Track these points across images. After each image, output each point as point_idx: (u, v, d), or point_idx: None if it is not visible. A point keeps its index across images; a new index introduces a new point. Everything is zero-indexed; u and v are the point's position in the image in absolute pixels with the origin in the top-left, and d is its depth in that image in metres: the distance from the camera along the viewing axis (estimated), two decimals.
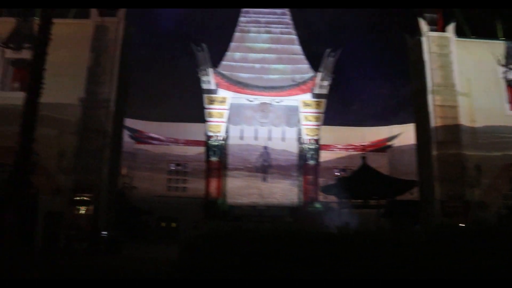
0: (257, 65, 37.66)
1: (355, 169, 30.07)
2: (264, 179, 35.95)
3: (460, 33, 25.13)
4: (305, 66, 37.70)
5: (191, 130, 38.01)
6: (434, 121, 23.77)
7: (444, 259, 6.10)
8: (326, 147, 37.09)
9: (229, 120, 36.29)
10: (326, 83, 35.81)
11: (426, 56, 24.63)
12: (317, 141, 35.84)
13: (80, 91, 23.50)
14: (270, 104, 36.79)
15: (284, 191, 35.68)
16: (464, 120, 23.64)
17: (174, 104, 41.81)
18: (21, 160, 15.31)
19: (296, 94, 36.54)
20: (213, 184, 34.53)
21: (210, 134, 35.42)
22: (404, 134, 35.28)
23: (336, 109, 41.66)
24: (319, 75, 35.80)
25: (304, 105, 36.28)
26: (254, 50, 38.27)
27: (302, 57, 38.18)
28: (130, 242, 23.88)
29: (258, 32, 38.85)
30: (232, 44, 38.21)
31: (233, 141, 36.66)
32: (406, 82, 29.57)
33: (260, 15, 39.31)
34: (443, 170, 22.96)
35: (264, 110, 36.92)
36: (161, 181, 36.84)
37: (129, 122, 32.31)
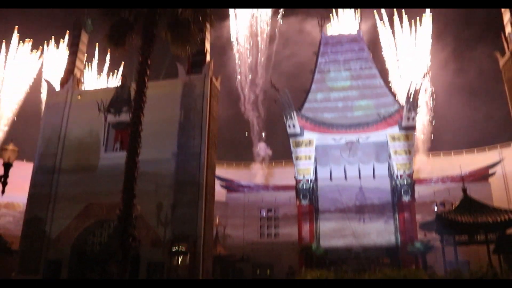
0: (340, 104, 37.34)
1: (457, 202, 27.84)
2: (358, 220, 34.60)
3: None
4: (389, 99, 36.65)
5: (281, 175, 38.23)
6: None
7: None
8: (421, 181, 35.08)
9: (317, 162, 35.94)
10: (413, 114, 34.34)
11: None
12: (410, 175, 34.02)
13: (173, 146, 24.93)
14: (357, 141, 35.96)
15: (379, 231, 33.92)
16: None
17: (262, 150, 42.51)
18: (125, 215, 16.34)
19: (383, 129, 35.39)
20: (306, 228, 33.94)
21: (299, 177, 35.26)
22: (508, 160, 32.35)
23: (432, 138, 39.69)
24: (405, 107, 34.49)
25: (392, 139, 34.94)
26: (336, 89, 38.12)
27: (385, 90, 37.26)
28: None
29: (338, 71, 38.80)
30: (314, 86, 38.46)
31: (322, 182, 36.08)
32: (502, 104, 27.48)
33: (338, 54, 39.39)
34: None
35: (352, 148, 36.12)
36: (254, 228, 37.07)
37: (219, 171, 33.32)
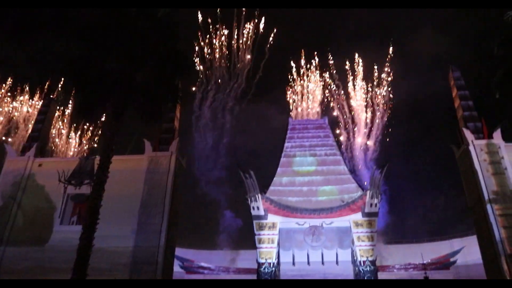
0: (304, 188, 37.73)
1: None
2: None
3: (509, 138, 24.75)
4: (353, 185, 37.39)
5: (242, 258, 37.24)
6: (499, 232, 22.23)
7: None
8: (384, 268, 34.83)
9: (280, 245, 35.41)
10: (376, 201, 34.94)
11: (477, 165, 24.09)
12: (373, 262, 33.82)
13: (133, 223, 24.28)
14: (321, 226, 35.88)
15: None
16: None
17: (224, 232, 41.91)
18: None
19: (347, 215, 35.59)
20: None
21: (261, 261, 34.39)
22: (468, 248, 32.82)
23: (392, 225, 40.21)
24: (368, 193, 35.19)
25: (355, 225, 35.07)
26: (301, 174, 38.75)
27: (349, 176, 38.13)
28: None
29: (304, 156, 39.75)
30: (279, 169, 39.02)
31: (285, 266, 35.28)
32: (461, 193, 28.52)
33: (304, 139, 40.66)
34: None
35: (315, 233, 35.91)
36: None
37: (179, 251, 32.25)
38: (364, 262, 33.68)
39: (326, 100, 50.56)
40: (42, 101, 32.02)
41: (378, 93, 53.78)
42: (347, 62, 54.20)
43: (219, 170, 51.07)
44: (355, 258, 34.52)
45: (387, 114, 50.81)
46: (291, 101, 54.03)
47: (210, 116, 53.64)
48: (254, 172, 35.62)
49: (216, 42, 53.36)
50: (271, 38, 54.26)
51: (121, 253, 23.36)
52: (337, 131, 51.30)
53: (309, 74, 56.43)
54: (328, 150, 40.05)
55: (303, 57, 56.93)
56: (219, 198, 47.41)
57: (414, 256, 34.68)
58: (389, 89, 54.24)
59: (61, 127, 43.71)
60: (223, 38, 53.81)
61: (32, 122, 31.78)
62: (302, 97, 51.37)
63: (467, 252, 32.93)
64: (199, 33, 52.40)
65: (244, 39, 54.35)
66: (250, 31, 54.34)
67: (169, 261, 25.57)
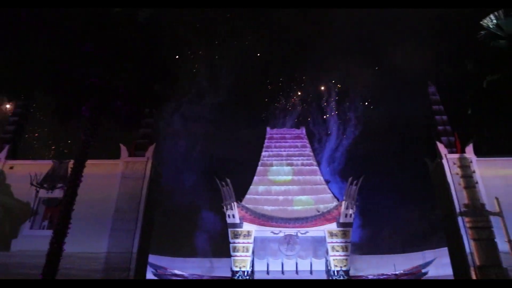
0: (280, 197, 37.92)
1: None
2: None
3: (480, 153, 25.43)
4: (329, 195, 37.78)
5: (216, 266, 36.96)
6: (469, 244, 22.74)
7: None
8: (357, 278, 35.14)
9: (254, 254, 35.37)
10: (351, 211, 35.35)
11: (449, 178, 24.66)
12: (347, 272, 34.11)
13: (106, 228, 23.90)
14: (296, 235, 36.03)
15: None
16: (500, 241, 22.55)
17: (197, 239, 41.62)
18: None
19: (322, 225, 35.88)
20: None
21: (235, 269, 34.27)
22: (439, 260, 33.44)
23: (365, 237, 40.67)
24: (344, 204, 35.56)
25: (330, 235, 35.38)
26: (277, 183, 38.94)
27: (324, 187, 38.52)
28: None
29: (281, 165, 39.99)
30: (256, 178, 39.14)
31: (259, 275, 35.23)
32: (434, 206, 29.11)
33: (282, 149, 41.02)
34: None
35: (290, 242, 36.04)
36: None
37: (152, 258, 31.82)
38: (337, 272, 33.97)
39: (303, 112, 51.08)
40: (16, 103, 31.12)
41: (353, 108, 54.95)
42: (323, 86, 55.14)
43: (194, 177, 50.81)
44: (329, 268, 34.77)
45: (359, 129, 51.74)
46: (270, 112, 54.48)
47: (183, 123, 53.39)
48: (230, 180, 35.61)
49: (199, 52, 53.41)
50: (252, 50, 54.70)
51: (93, 258, 22.89)
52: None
53: (288, 88, 57.31)
54: (305, 160, 40.42)
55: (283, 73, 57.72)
56: (197, 202, 47.09)
57: (387, 267, 35.14)
58: (366, 103, 55.38)
59: (36, 129, 42.92)
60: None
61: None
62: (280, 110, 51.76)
63: (439, 264, 33.56)
64: (183, 40, 52.33)
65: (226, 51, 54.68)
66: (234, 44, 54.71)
67: (142, 268, 25.18)
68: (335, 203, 36.57)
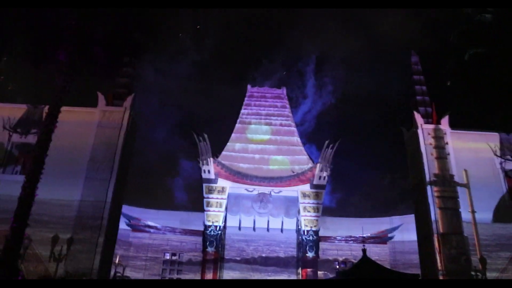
0: (257, 156, 38.19)
1: (356, 262, 29.14)
2: (262, 271, 34.80)
3: (455, 125, 25.92)
4: (304, 157, 38.24)
5: (189, 219, 37.41)
6: (435, 212, 23.59)
7: None
8: (326, 238, 36.24)
9: (228, 210, 35.95)
10: (325, 174, 35.99)
11: (423, 148, 25.19)
12: (316, 232, 35.14)
13: (80, 176, 23.72)
14: (269, 194, 36.67)
15: None
16: (465, 211, 23.48)
17: (173, 192, 41.91)
18: (12, 245, 15.01)
19: (295, 185, 36.52)
20: (209, 275, 33.21)
21: (208, 223, 34.86)
22: (405, 226, 34.66)
23: (336, 200, 41.67)
24: (318, 166, 36.11)
25: (303, 196, 36.12)
26: (254, 141, 39.08)
27: (301, 148, 38.91)
28: None
29: (259, 124, 40.00)
30: (233, 135, 39.16)
31: (231, 231, 36.03)
32: (405, 174, 29.82)
33: (261, 108, 40.88)
34: (447, 264, 22.26)
35: (263, 200, 36.71)
36: (155, 271, 35.42)
37: (126, 209, 31.98)
38: (307, 231, 34.96)
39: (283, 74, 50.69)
40: None
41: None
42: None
43: (171, 131, 50.54)
44: (299, 227, 35.71)
45: (336, 94, 51.88)
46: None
47: (163, 77, 52.40)
48: (208, 135, 35.57)
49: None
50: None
51: (65, 206, 22.83)
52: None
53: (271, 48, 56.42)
54: (283, 121, 40.52)
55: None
56: (172, 156, 47.05)
57: (355, 230, 36.21)
58: (346, 69, 55.32)
59: (11, 72, 41.32)
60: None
61: None
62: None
63: (405, 229, 34.79)
64: None
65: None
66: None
67: (115, 217, 25.31)
68: (310, 165, 37.11)
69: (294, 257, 35.41)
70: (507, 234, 23.35)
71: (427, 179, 24.41)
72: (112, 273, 26.94)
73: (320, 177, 36.07)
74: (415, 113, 26.29)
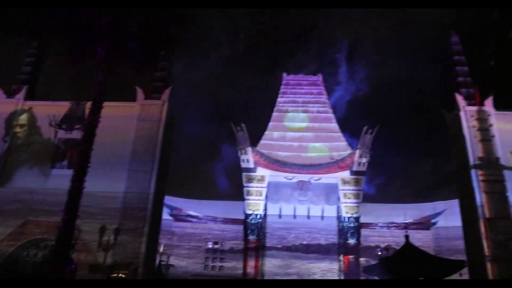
0: (295, 144, 38.17)
1: (398, 248, 28.71)
2: (304, 259, 34.94)
3: (499, 106, 24.87)
4: (343, 143, 37.87)
5: (230, 209, 37.94)
6: (480, 196, 22.86)
7: None
8: (367, 225, 35.86)
9: (268, 198, 36.18)
10: (364, 160, 35.53)
11: (466, 131, 24.40)
12: (357, 219, 34.86)
13: (123, 169, 24.55)
14: (309, 182, 36.59)
15: (324, 272, 34.25)
16: None
17: (214, 182, 42.57)
18: (64, 235, 15.78)
19: (335, 172, 36.29)
20: (251, 263, 33.71)
21: (249, 212, 35.28)
22: (449, 211, 33.76)
23: (377, 187, 41.05)
24: (357, 152, 35.68)
25: (343, 182, 35.85)
26: (292, 129, 39.03)
27: (339, 134, 38.52)
28: None
29: (296, 112, 39.88)
30: (271, 124, 39.26)
31: (271, 219, 36.27)
32: (448, 158, 28.99)
33: (297, 95, 40.69)
34: (494, 249, 21.59)
35: (303, 188, 36.70)
36: (199, 260, 36.30)
37: (168, 199, 32.81)
38: (348, 218, 34.76)
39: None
40: (31, 44, 30.85)
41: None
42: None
43: (210, 122, 51.20)
44: (340, 214, 35.51)
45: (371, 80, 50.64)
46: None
47: (200, 69, 52.86)
48: (245, 125, 35.81)
49: None
50: None
51: (111, 198, 23.72)
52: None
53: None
54: (320, 107, 40.20)
55: None
56: (212, 148, 47.67)
57: (397, 216, 35.64)
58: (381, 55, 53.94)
59: (53, 71, 42.92)
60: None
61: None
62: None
63: (449, 215, 33.88)
64: None
65: None
66: None
67: (158, 208, 26.07)
68: (349, 151, 36.72)
69: (335, 244, 35.28)
70: None
71: (471, 162, 23.65)
72: (157, 261, 27.85)
73: (359, 164, 35.66)
74: (457, 95, 25.41)
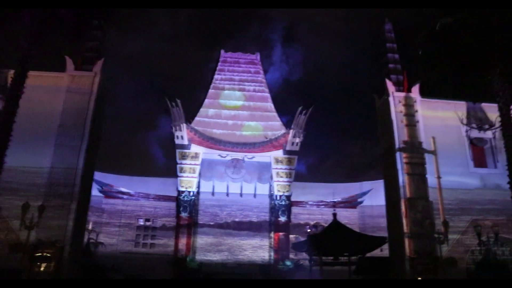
0: (230, 122, 38.27)
1: (326, 225, 30.06)
2: (236, 236, 35.52)
3: (425, 93, 26.38)
4: (277, 123, 38.53)
5: (163, 185, 37.38)
6: (402, 178, 24.34)
7: None
8: (298, 203, 37.07)
9: (201, 176, 36.18)
10: (297, 140, 36.52)
11: (393, 115, 25.65)
12: (288, 197, 35.93)
13: (49, 143, 23.22)
14: (242, 160, 37.00)
15: (255, 248, 35.13)
16: (431, 176, 24.32)
17: (146, 158, 41.63)
18: None
19: (268, 151, 37.01)
20: (183, 240, 33.72)
21: (182, 189, 35.09)
22: (374, 191, 35.72)
23: (308, 166, 42.29)
24: (291, 132, 36.51)
25: (276, 161, 36.68)
26: (228, 107, 39.00)
27: (274, 114, 39.10)
28: None
29: (232, 90, 39.81)
30: (206, 101, 38.96)
31: (204, 196, 36.38)
32: (376, 141, 30.39)
33: (235, 73, 40.57)
34: (412, 227, 23.21)
35: (236, 166, 37.06)
36: (129, 237, 35.63)
37: (98, 175, 31.67)
38: (280, 196, 35.74)
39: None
40: None
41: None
42: None
43: (143, 97, 49.69)
44: (272, 192, 36.38)
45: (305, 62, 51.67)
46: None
47: (134, 41, 50.72)
48: (180, 101, 35.23)
49: None
50: None
51: (35, 173, 22.41)
52: None
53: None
54: (257, 86, 40.43)
55: None
56: (146, 122, 46.34)
57: (326, 195, 37.10)
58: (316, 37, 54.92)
59: None
60: None
61: None
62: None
63: (374, 194, 35.87)
64: None
65: None
66: None
67: (87, 184, 25.05)
68: (283, 131, 37.47)
69: (266, 222, 36.20)
70: (469, 199, 24.43)
71: (397, 145, 25.00)
72: (85, 239, 26.97)
73: (293, 143, 36.60)
74: (387, 81, 26.60)
